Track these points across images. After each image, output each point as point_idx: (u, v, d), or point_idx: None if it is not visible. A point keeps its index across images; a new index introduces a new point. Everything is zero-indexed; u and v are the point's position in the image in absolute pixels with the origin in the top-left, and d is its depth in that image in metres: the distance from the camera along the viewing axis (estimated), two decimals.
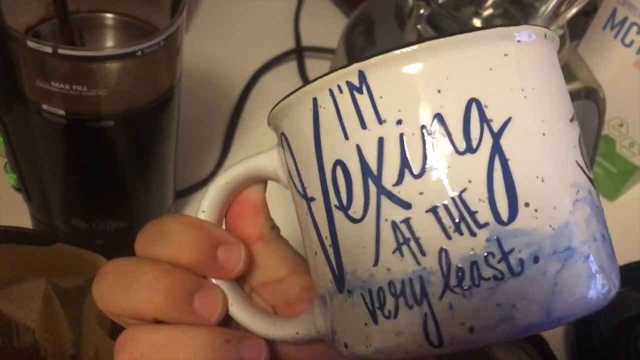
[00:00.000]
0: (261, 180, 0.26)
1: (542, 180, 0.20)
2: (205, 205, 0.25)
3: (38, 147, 0.39)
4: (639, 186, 0.63)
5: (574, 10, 0.40)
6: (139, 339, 0.23)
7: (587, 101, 0.45)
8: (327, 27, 0.67)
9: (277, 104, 0.23)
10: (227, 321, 0.25)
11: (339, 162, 0.21)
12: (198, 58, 0.61)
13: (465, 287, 0.20)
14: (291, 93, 0.22)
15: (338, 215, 0.21)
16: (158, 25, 0.41)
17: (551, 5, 0.39)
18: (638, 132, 0.57)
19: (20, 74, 0.35)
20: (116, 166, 0.41)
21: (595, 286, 0.20)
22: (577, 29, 0.60)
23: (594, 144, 0.49)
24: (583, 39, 0.58)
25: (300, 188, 0.23)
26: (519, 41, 0.21)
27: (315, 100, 0.21)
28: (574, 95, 0.44)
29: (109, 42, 0.43)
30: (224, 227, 0.26)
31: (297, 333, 0.25)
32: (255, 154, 0.25)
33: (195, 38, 0.66)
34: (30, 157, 0.41)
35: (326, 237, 0.22)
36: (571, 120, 0.22)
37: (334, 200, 0.21)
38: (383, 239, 0.20)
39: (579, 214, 0.20)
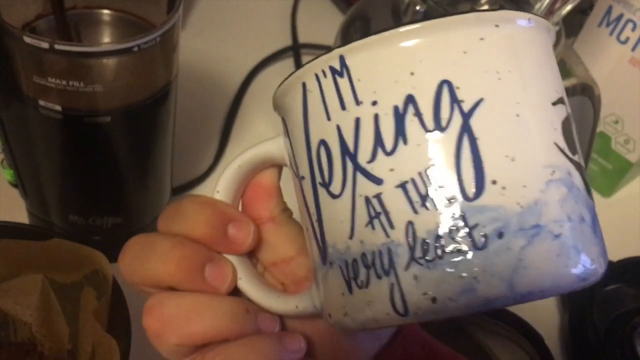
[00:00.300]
0: (273, 165, 0.28)
1: (512, 160, 0.21)
2: (220, 187, 0.27)
3: (35, 143, 0.40)
4: (634, 183, 0.63)
5: (569, 7, 0.40)
6: (167, 303, 0.25)
7: (582, 97, 0.45)
8: (323, 24, 0.67)
9: (275, 92, 0.25)
10: (237, 295, 0.27)
11: (322, 142, 0.23)
12: (195, 55, 0.61)
13: (429, 259, 0.21)
14: (285, 79, 0.24)
15: (322, 192, 0.23)
16: (154, 22, 0.41)
17: (546, 1, 0.39)
18: (633, 128, 0.57)
19: (17, 70, 0.35)
20: (113, 162, 0.41)
21: (565, 265, 0.21)
22: (573, 26, 0.61)
23: (589, 140, 0.50)
24: (579, 35, 0.59)
25: (295, 169, 0.25)
26: (496, 26, 0.21)
27: (304, 85, 0.23)
28: (570, 91, 0.44)
29: (106, 39, 0.43)
30: (240, 208, 0.28)
31: (297, 307, 0.26)
32: (266, 139, 0.27)
33: (192, 35, 0.66)
34: (27, 153, 0.41)
35: (313, 214, 0.24)
36: (555, 103, 0.22)
37: (318, 178, 0.23)
38: (358, 213, 0.22)
39: (552, 194, 0.21)
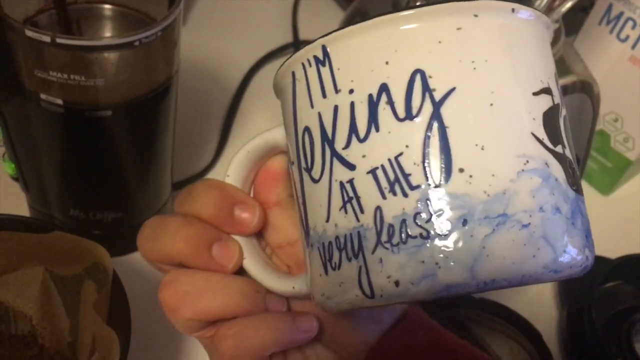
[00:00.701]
0: (281, 152, 0.29)
1: (482, 149, 0.21)
2: (230, 171, 0.28)
3: (36, 137, 0.40)
4: (634, 181, 0.63)
5: (568, 4, 0.41)
6: (182, 280, 0.26)
7: (581, 95, 0.45)
8: (324, 21, 0.67)
9: (273, 79, 0.26)
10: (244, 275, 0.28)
11: (306, 129, 0.24)
12: (196, 51, 0.61)
13: (394, 243, 0.21)
14: (279, 68, 0.25)
15: (305, 176, 0.24)
16: (156, 17, 0.41)
17: None
18: (633, 127, 0.57)
19: (18, 64, 0.36)
20: (114, 156, 0.41)
21: (532, 255, 0.21)
22: (574, 25, 0.61)
23: (588, 137, 0.50)
24: (579, 34, 0.59)
25: (288, 154, 0.26)
26: (475, 16, 0.21)
27: (293, 74, 0.24)
28: (569, 89, 0.44)
29: (107, 33, 0.43)
30: (252, 192, 0.29)
31: (293, 288, 0.27)
32: (274, 126, 0.28)
33: (193, 31, 0.66)
34: (28, 147, 0.41)
35: (299, 197, 0.25)
36: (537, 93, 0.22)
37: (303, 163, 0.24)
38: (333, 197, 0.23)
39: (524, 184, 0.21)
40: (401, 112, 0.21)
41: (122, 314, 0.34)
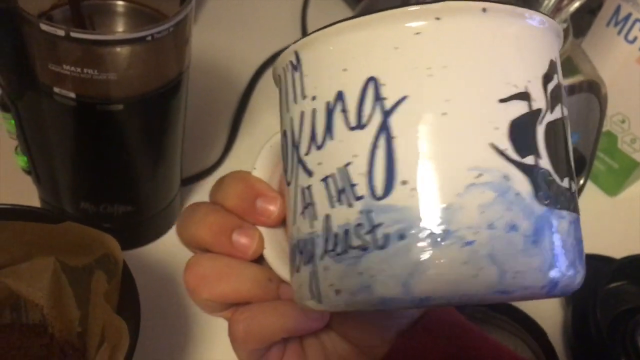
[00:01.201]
0: None
1: (429, 160, 0.20)
2: (256, 164, 0.29)
3: (49, 130, 0.40)
4: None
5: (576, 4, 0.41)
6: (203, 263, 0.28)
7: (588, 94, 0.45)
8: (333, 20, 0.68)
9: None
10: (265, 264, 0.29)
11: (284, 132, 0.24)
12: (206, 49, 0.62)
13: (337, 253, 0.21)
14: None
15: (283, 178, 0.24)
16: (167, 14, 0.42)
17: None
18: None
19: (33, 57, 0.36)
20: (124, 150, 0.42)
21: (473, 275, 0.20)
22: (582, 26, 0.61)
23: (595, 138, 0.50)
24: (587, 35, 0.59)
25: None
26: (437, 19, 0.20)
27: (279, 77, 0.24)
28: (576, 88, 0.44)
29: (119, 29, 0.43)
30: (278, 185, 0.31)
31: None
32: None
33: (203, 29, 0.67)
34: (40, 140, 0.42)
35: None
36: (505, 100, 0.20)
37: (283, 165, 0.24)
38: (297, 202, 0.23)
39: (472, 198, 0.20)
40: (353, 121, 0.21)
41: (132, 304, 0.34)
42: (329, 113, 0.21)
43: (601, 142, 0.56)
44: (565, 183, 0.21)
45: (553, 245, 0.20)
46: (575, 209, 0.22)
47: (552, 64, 0.22)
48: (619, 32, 0.55)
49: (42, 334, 0.38)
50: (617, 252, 0.52)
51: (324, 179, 0.22)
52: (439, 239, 0.20)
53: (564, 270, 0.21)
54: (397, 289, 0.20)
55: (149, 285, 0.37)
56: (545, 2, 0.40)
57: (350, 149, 0.21)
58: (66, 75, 0.36)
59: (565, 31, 0.45)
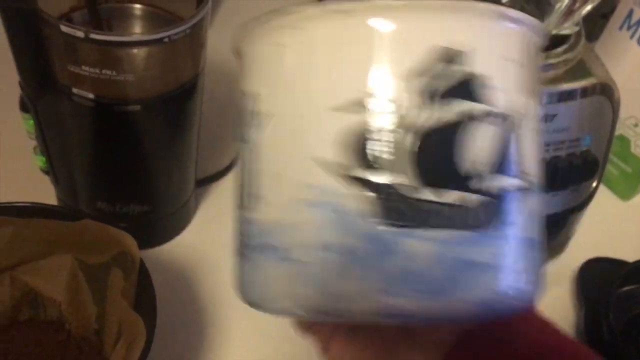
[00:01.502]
0: None
1: (279, 176, 0.20)
2: None
3: (67, 131, 0.41)
4: None
5: (588, 7, 0.41)
6: None
7: (601, 97, 0.45)
8: None
9: None
10: None
11: None
12: (221, 51, 0.62)
13: (235, 254, 0.24)
14: None
15: None
16: (183, 17, 0.42)
17: (566, 1, 0.40)
18: None
19: (52, 58, 0.37)
20: (141, 150, 0.42)
21: (290, 295, 0.20)
22: (595, 31, 0.61)
23: (607, 141, 0.50)
24: (599, 38, 0.59)
25: None
26: (299, 29, 0.20)
27: None
28: (589, 91, 0.44)
29: (136, 31, 0.44)
30: None
31: None
32: None
33: (218, 33, 0.67)
34: (59, 141, 0.42)
35: None
36: (340, 109, 0.18)
37: None
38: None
39: (311, 217, 0.19)
40: (243, 134, 0.23)
41: (149, 301, 0.34)
42: (246, 126, 0.24)
43: (614, 145, 0.56)
44: (430, 195, 0.18)
45: (396, 268, 0.18)
46: (446, 224, 0.18)
47: (435, 58, 0.19)
48: (632, 36, 0.55)
49: (59, 330, 0.38)
50: (630, 255, 0.52)
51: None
52: (269, 255, 0.20)
53: (410, 294, 0.18)
54: (240, 296, 0.23)
55: (164, 285, 0.38)
56: (557, 5, 0.41)
57: (240, 162, 0.24)
58: (85, 76, 0.37)
59: (578, 34, 0.45)
